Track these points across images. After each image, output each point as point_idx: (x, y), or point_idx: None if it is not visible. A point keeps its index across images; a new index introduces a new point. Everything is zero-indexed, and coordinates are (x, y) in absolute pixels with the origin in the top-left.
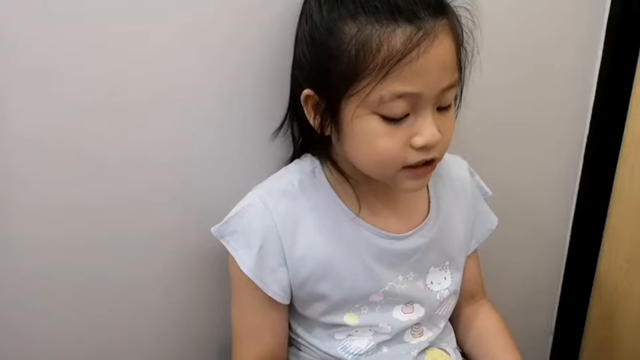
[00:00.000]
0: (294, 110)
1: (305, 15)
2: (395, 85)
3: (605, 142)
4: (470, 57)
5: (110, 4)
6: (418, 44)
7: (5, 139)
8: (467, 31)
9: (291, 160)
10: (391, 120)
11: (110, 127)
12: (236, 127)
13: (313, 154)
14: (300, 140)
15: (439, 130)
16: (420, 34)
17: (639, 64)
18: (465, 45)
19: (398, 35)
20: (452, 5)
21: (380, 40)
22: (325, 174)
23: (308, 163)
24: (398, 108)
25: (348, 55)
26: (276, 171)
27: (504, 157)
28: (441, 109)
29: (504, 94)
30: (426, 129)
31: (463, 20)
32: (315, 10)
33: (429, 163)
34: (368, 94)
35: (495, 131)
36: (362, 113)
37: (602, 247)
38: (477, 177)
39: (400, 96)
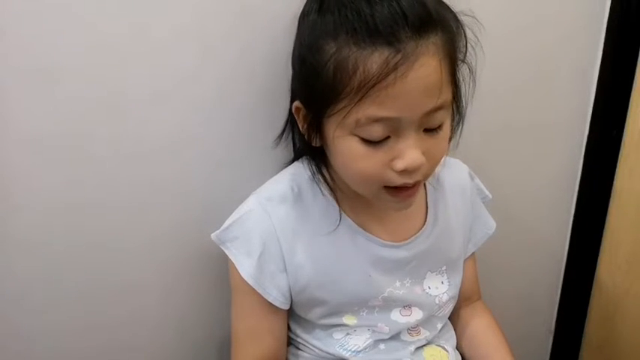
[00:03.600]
0: (293, 116)
1: (299, 27)
2: (371, 109)
3: (605, 142)
4: (473, 72)
5: (110, 3)
6: (395, 68)
7: (5, 138)
8: (471, 44)
9: (292, 161)
10: (370, 142)
11: (111, 127)
12: (236, 127)
13: (309, 157)
14: (299, 143)
15: (425, 153)
16: (399, 57)
17: (639, 64)
18: (467, 60)
19: (375, 58)
20: (451, 17)
21: (356, 62)
22: (319, 178)
23: (307, 167)
24: (375, 132)
25: (327, 75)
26: (276, 172)
27: (504, 158)
28: (430, 130)
29: (504, 95)
30: (406, 153)
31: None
32: (302, 26)
33: (412, 185)
34: (345, 116)
35: (495, 132)
36: (341, 134)
37: (602, 247)
38: (477, 180)
39: (377, 120)
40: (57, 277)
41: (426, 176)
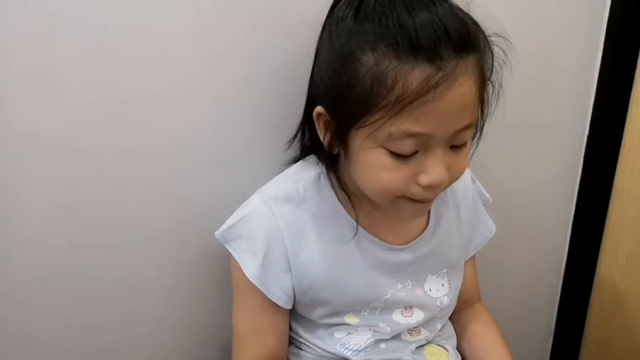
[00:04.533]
0: (307, 117)
1: (327, 32)
2: (406, 124)
3: (605, 142)
4: (497, 90)
5: (111, 3)
6: (435, 87)
7: (5, 138)
8: (498, 63)
9: (296, 160)
10: (399, 155)
11: (111, 127)
12: (238, 126)
13: (319, 160)
14: (309, 143)
15: (448, 169)
16: (439, 75)
17: (639, 64)
18: (493, 80)
19: (415, 75)
20: (482, 37)
21: (396, 76)
22: (330, 181)
23: (314, 167)
24: (407, 146)
25: (362, 86)
26: (280, 171)
27: (504, 158)
28: (455, 146)
29: (504, 95)
30: (433, 169)
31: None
32: (336, 33)
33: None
34: (377, 128)
35: (495, 132)
36: (370, 145)
37: (602, 247)
38: (478, 183)
39: (410, 135)
40: (57, 276)
41: (445, 189)
